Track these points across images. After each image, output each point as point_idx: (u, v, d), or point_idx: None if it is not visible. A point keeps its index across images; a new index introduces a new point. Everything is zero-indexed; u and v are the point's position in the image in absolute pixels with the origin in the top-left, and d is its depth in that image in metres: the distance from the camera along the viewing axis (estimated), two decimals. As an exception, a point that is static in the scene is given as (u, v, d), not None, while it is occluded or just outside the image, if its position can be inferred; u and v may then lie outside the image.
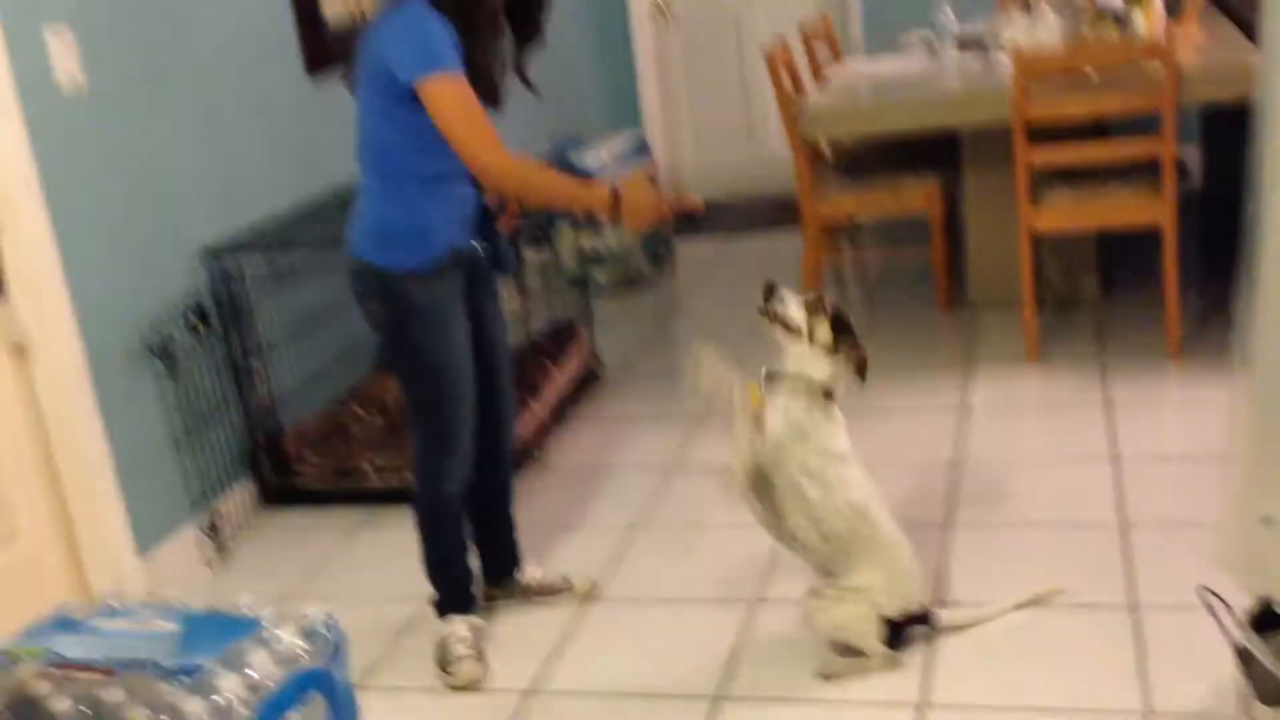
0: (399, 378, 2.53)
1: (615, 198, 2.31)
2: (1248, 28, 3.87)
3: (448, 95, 2.23)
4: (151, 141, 3.11)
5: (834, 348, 2.35)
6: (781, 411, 2.32)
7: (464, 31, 2.27)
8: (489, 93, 2.34)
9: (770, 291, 2.37)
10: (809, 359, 2.35)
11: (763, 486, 2.34)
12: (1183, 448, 3.11)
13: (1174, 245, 3.55)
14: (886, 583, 2.35)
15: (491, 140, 2.26)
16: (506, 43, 2.42)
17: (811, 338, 2.34)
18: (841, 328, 2.36)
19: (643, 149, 5.40)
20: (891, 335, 4.17)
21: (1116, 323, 3.96)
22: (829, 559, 2.36)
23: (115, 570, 2.92)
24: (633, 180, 2.32)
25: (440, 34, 2.23)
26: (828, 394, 2.35)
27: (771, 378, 2.37)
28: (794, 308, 2.36)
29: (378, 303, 2.41)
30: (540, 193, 2.36)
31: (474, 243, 2.47)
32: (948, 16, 4.11)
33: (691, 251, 5.53)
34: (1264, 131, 1.84)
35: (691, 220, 2.25)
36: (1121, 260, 4.38)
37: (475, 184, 2.43)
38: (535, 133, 5.24)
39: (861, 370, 2.38)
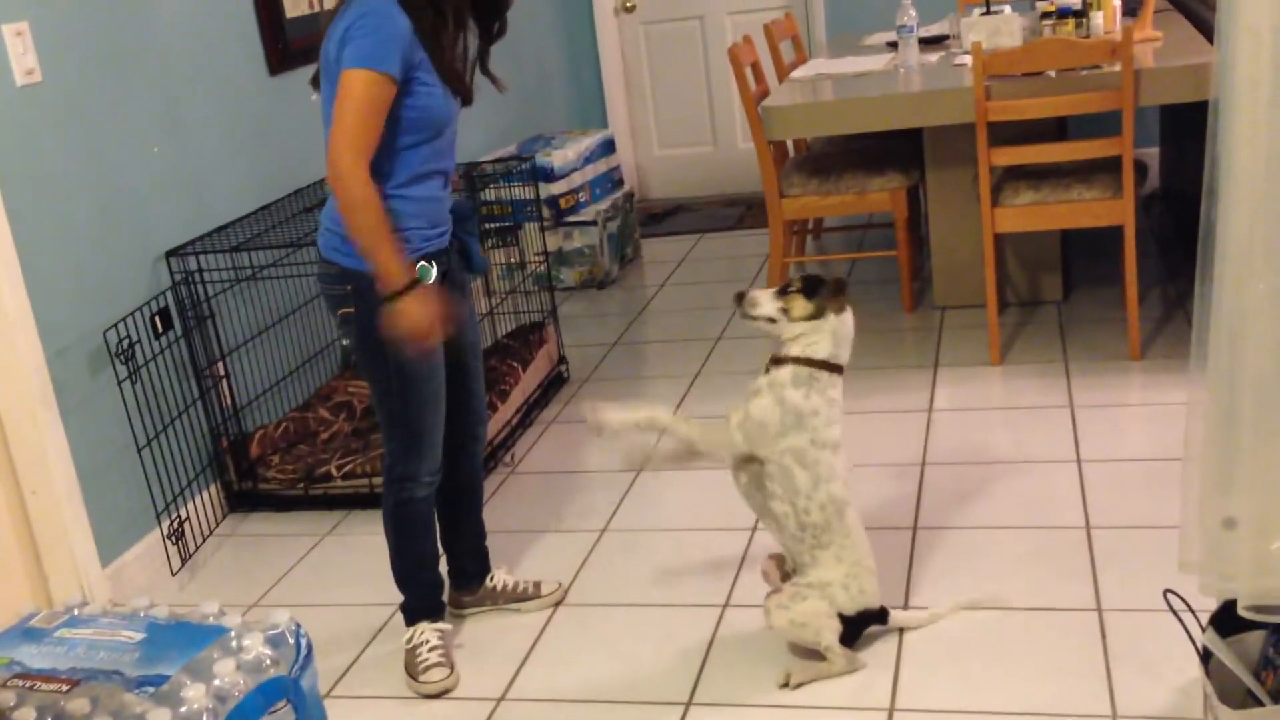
0: (368, 381, 2.52)
1: (397, 292, 2.25)
2: (1206, 28, 3.92)
3: (354, 86, 2.19)
4: (113, 141, 3.08)
5: (817, 312, 2.34)
6: (776, 400, 2.32)
7: (431, 26, 2.24)
8: (455, 86, 2.32)
9: (739, 299, 2.38)
10: (802, 340, 2.34)
11: (750, 462, 2.36)
12: (1146, 450, 3.15)
13: (1133, 246, 3.59)
14: (848, 579, 2.37)
15: (361, 149, 2.21)
16: (473, 38, 2.40)
17: (791, 316, 2.35)
18: (812, 290, 2.35)
19: (608, 148, 5.40)
20: (858, 336, 4.17)
21: (1079, 324, 4.00)
22: (798, 548, 2.38)
23: (79, 578, 2.89)
24: (422, 294, 2.28)
25: (385, 30, 2.19)
26: (834, 368, 2.35)
27: (777, 361, 2.37)
28: (766, 305, 2.37)
29: (347, 304, 2.39)
30: (356, 228, 2.26)
31: (445, 246, 2.45)
32: (910, 16, 4.14)
33: (658, 251, 5.54)
34: (1219, 132, 1.86)
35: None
36: (1083, 259, 4.42)
37: (447, 185, 2.42)
38: (502, 132, 5.23)
39: (839, 291, 2.36)
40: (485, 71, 2.46)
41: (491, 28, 2.42)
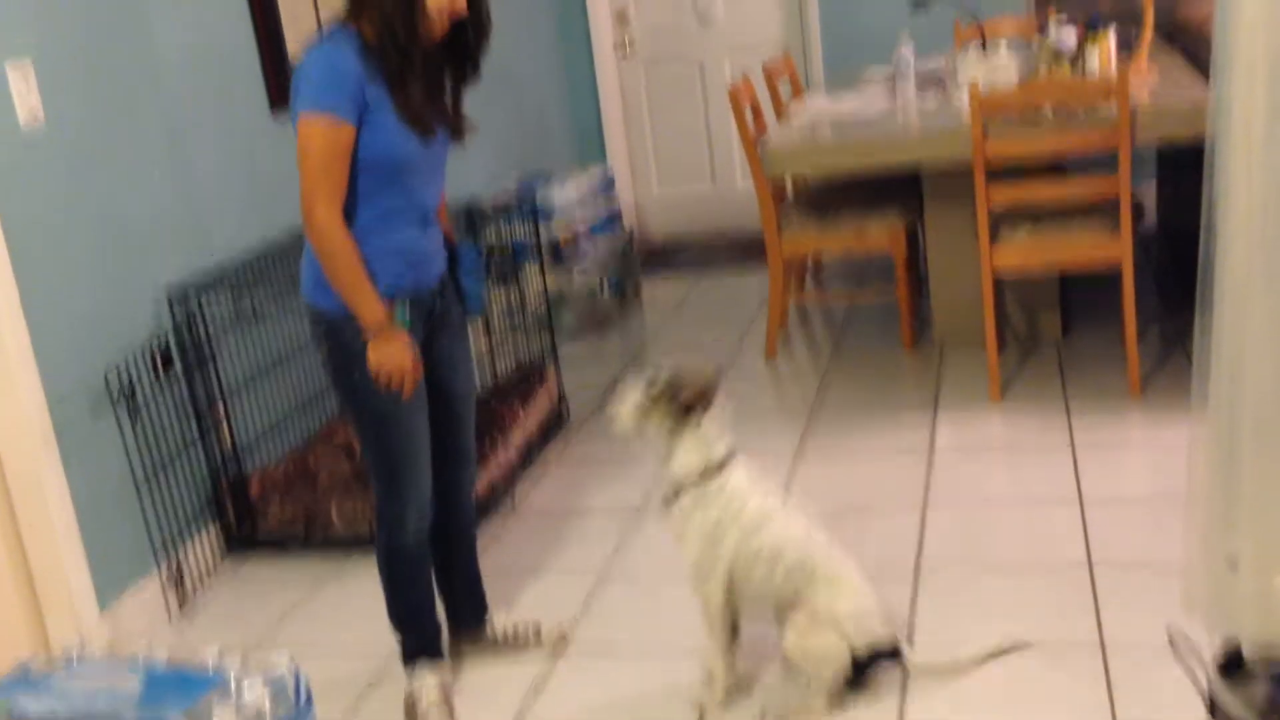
0: (350, 422, 2.52)
1: (376, 331, 2.28)
2: (1201, 66, 3.94)
3: (310, 135, 2.21)
4: (115, 179, 3.09)
5: (675, 424, 2.32)
6: (692, 537, 2.33)
7: (396, 66, 2.24)
8: (416, 127, 2.30)
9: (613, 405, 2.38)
10: (674, 463, 2.34)
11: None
12: (1147, 488, 3.14)
13: (1132, 285, 3.60)
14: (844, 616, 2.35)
15: (329, 195, 2.23)
16: (446, 79, 2.39)
17: (653, 416, 2.33)
18: (671, 394, 2.31)
19: (608, 186, 5.43)
20: (857, 374, 4.20)
21: (1078, 361, 4.00)
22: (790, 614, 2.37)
23: (77, 623, 2.88)
24: (393, 337, 2.29)
25: (335, 70, 2.21)
26: (719, 466, 2.33)
27: (671, 494, 2.36)
28: (630, 404, 2.34)
29: (324, 345, 2.40)
30: (333, 274, 2.28)
31: (431, 287, 2.44)
32: (907, 55, 4.17)
33: (658, 290, 5.55)
34: (1216, 170, 1.87)
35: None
36: (1082, 297, 4.43)
37: (426, 225, 2.41)
38: (503, 169, 5.26)
39: (704, 401, 2.31)
40: (456, 113, 2.43)
41: (463, 70, 2.41)
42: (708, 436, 2.33)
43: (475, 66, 2.41)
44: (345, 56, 2.22)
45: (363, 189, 2.29)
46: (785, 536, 2.33)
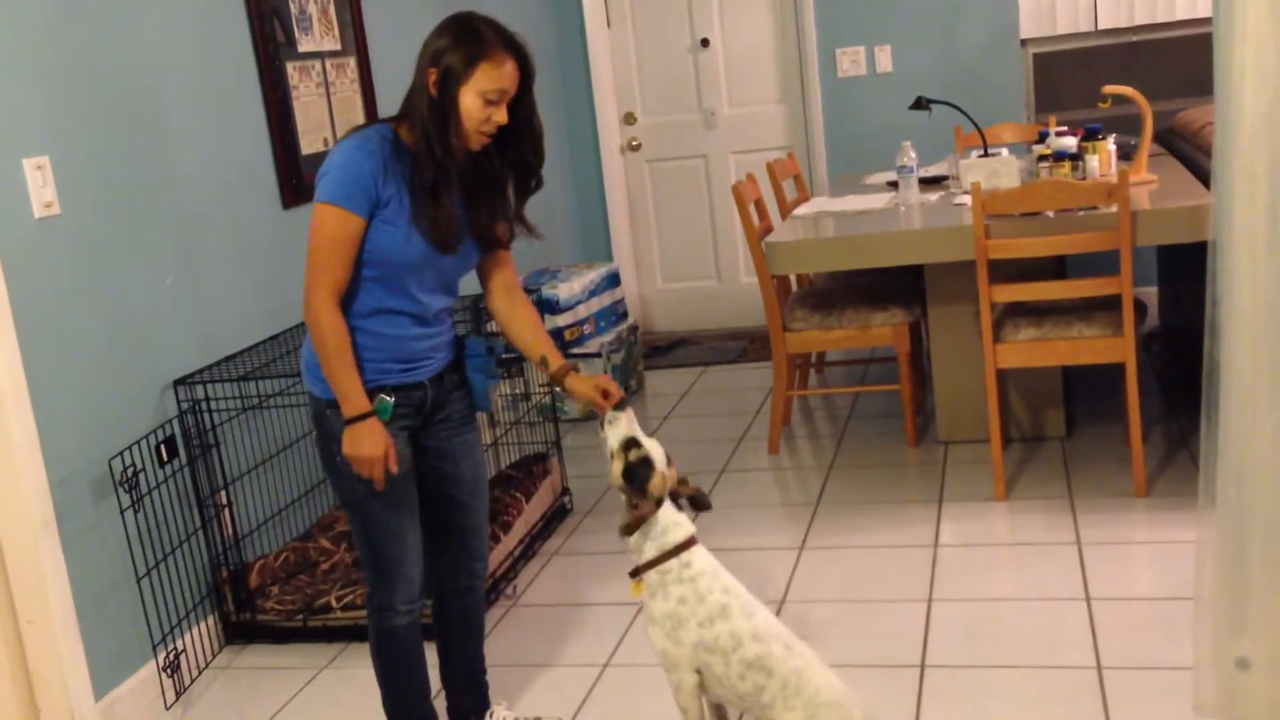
0: (342, 507, 2.53)
1: (351, 420, 2.30)
2: (1199, 171, 4.01)
3: (319, 223, 2.27)
4: (126, 272, 3.13)
5: (621, 488, 2.32)
6: (655, 624, 2.32)
7: (430, 178, 2.27)
8: (436, 238, 2.30)
9: (619, 406, 2.39)
10: (634, 548, 2.33)
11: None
12: (1155, 588, 3.12)
13: (1135, 384, 3.61)
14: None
15: (327, 284, 2.27)
16: (498, 189, 2.41)
17: (610, 475, 2.33)
18: (629, 475, 2.31)
19: (613, 281, 5.48)
20: (861, 470, 4.19)
21: (1083, 459, 3.99)
22: (758, 713, 2.31)
23: (72, 713, 2.83)
24: (371, 427, 2.31)
25: (355, 165, 2.24)
26: (674, 551, 2.31)
27: (635, 572, 2.35)
28: (614, 438, 2.35)
29: (315, 429, 2.45)
30: (323, 358, 2.31)
31: (422, 381, 2.43)
32: (910, 157, 4.24)
33: (662, 383, 5.57)
34: (1219, 272, 1.89)
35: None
36: (1086, 393, 4.44)
37: (427, 325, 2.42)
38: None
39: (631, 526, 2.31)
40: (522, 220, 2.47)
41: (528, 183, 2.43)
42: (663, 523, 2.32)
43: (535, 177, 2.43)
44: (369, 153, 2.26)
45: (364, 281, 2.33)
46: (743, 630, 2.27)
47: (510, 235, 2.50)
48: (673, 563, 2.31)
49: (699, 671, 2.30)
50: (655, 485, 2.31)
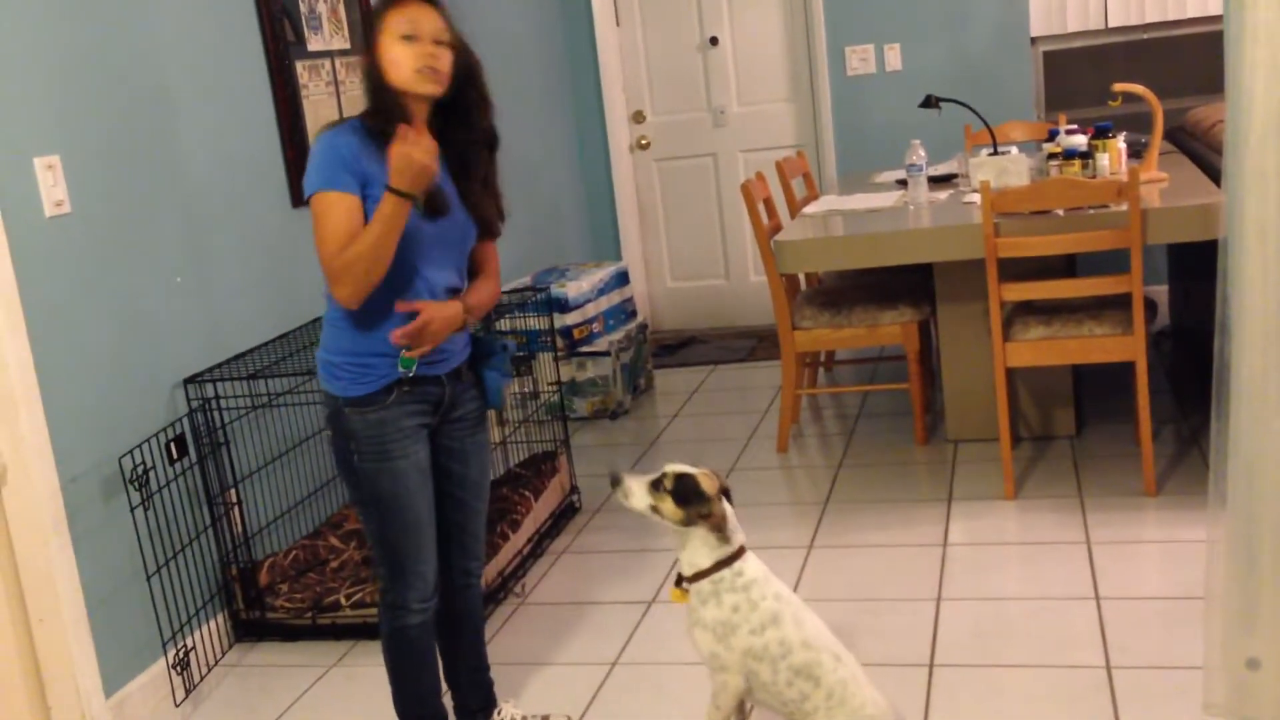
0: (355, 506, 2.53)
1: (395, 180, 2.21)
2: (1209, 169, 3.99)
3: (316, 213, 2.28)
4: (135, 270, 3.14)
5: (686, 520, 2.29)
6: (703, 629, 2.31)
7: (384, 143, 2.28)
8: (424, 204, 2.31)
9: (615, 483, 2.35)
10: (684, 557, 2.33)
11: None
12: (1165, 588, 3.11)
13: (1146, 383, 3.60)
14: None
15: (336, 250, 2.24)
16: (481, 159, 2.44)
17: (663, 515, 2.31)
18: (682, 497, 2.29)
19: (622, 280, 5.48)
20: (870, 469, 4.19)
21: (1093, 459, 3.98)
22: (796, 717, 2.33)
23: (83, 710, 2.84)
24: (398, 149, 2.21)
25: (332, 150, 2.27)
26: (727, 561, 2.30)
27: (680, 580, 2.35)
28: (638, 498, 2.32)
29: (330, 428, 2.44)
30: (367, 250, 2.24)
31: (439, 375, 2.44)
32: (920, 155, 4.23)
33: (670, 382, 5.57)
34: (1230, 270, 1.89)
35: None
36: (1096, 394, 4.43)
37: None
38: (518, 264, 5.31)
39: (719, 528, 2.30)
40: (487, 184, 2.47)
41: (472, 138, 2.42)
42: (710, 541, 2.32)
43: (479, 137, 2.43)
44: (342, 138, 2.29)
45: None
46: (793, 637, 2.28)
47: (500, 216, 2.50)
48: (725, 572, 2.30)
49: (746, 676, 2.30)
50: (706, 484, 2.30)
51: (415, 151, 2.20)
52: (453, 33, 2.36)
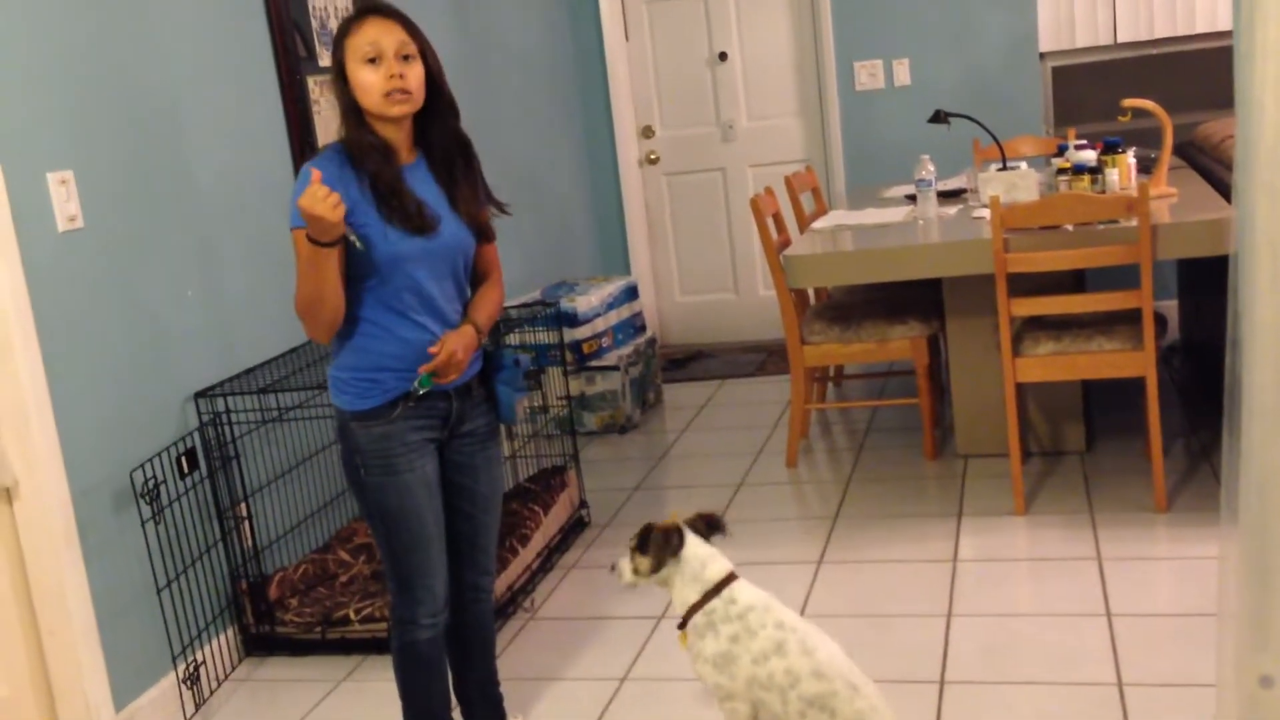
0: (366, 521, 2.54)
1: (305, 227, 2.25)
2: (1219, 185, 3.99)
3: (297, 246, 2.30)
4: (147, 284, 3.15)
5: (656, 564, 2.33)
6: (704, 663, 2.32)
7: (366, 170, 2.31)
8: (404, 222, 2.32)
9: (613, 569, 2.42)
10: (675, 591, 2.35)
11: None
12: (1176, 604, 3.10)
13: (1156, 399, 3.59)
14: None
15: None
16: (466, 165, 2.45)
17: (643, 574, 2.36)
18: (643, 545, 2.34)
19: (631, 294, 5.48)
20: (879, 483, 4.18)
21: (1103, 474, 3.97)
22: None
23: (91, 723, 2.85)
24: (301, 201, 2.22)
25: (308, 182, 2.25)
26: (715, 590, 2.31)
27: (682, 622, 2.37)
28: (627, 572, 2.39)
29: (340, 443, 2.45)
30: (302, 296, 2.30)
31: (451, 392, 2.44)
32: (929, 170, 4.24)
33: (679, 396, 5.57)
34: (1241, 285, 1.89)
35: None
36: (1106, 407, 4.42)
37: (444, 325, 2.42)
38: (527, 278, 5.32)
39: (673, 543, 2.33)
40: (491, 198, 2.50)
41: (451, 156, 2.44)
42: (693, 566, 2.33)
43: (449, 146, 2.43)
44: (319, 166, 2.28)
45: (369, 290, 2.35)
46: (800, 667, 2.25)
47: (498, 208, 2.53)
48: (716, 602, 2.30)
49: (754, 704, 2.30)
50: (660, 526, 2.34)
51: (316, 207, 2.18)
52: (417, 40, 2.36)
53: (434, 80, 2.38)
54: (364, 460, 2.39)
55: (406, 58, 2.32)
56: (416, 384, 2.35)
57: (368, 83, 2.30)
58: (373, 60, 2.30)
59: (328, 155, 2.35)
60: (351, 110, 2.34)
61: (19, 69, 2.79)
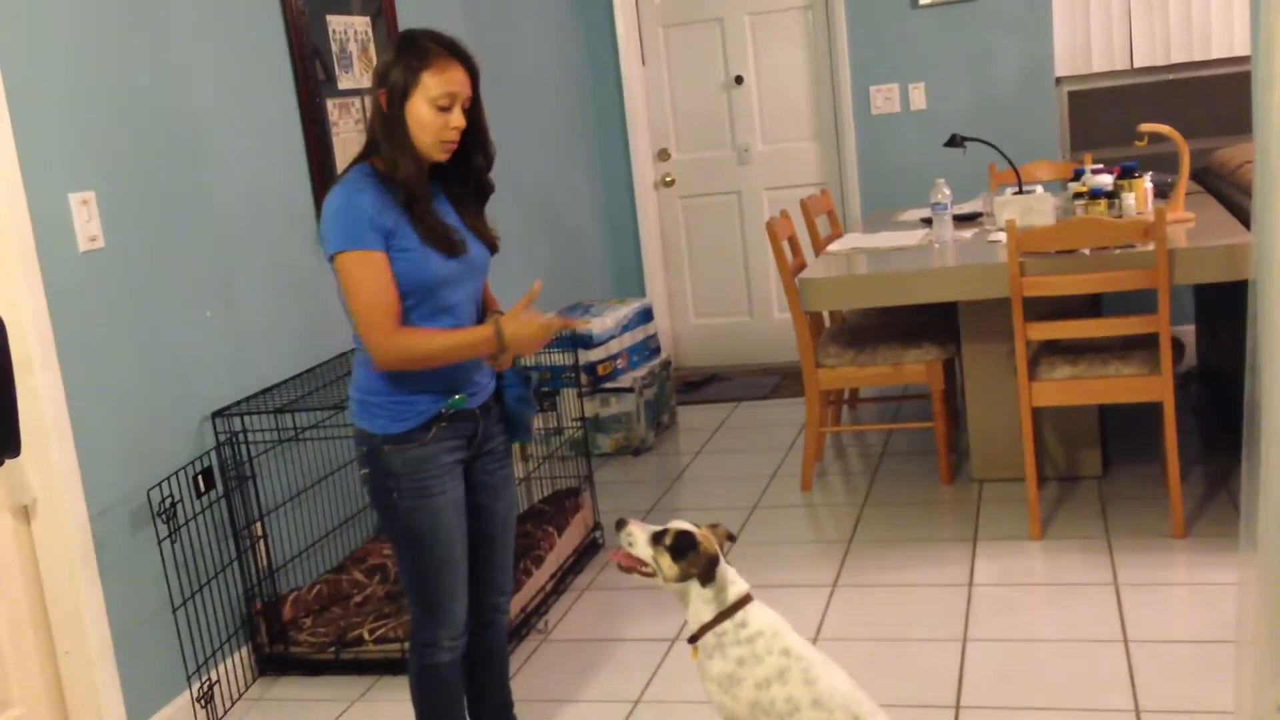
0: (389, 543, 2.53)
1: (499, 333, 2.33)
2: (1237, 210, 3.98)
3: (346, 275, 2.29)
4: (166, 304, 3.17)
5: (682, 575, 2.32)
6: (713, 683, 2.31)
7: (405, 199, 2.32)
8: (442, 247, 2.34)
9: (619, 526, 2.38)
10: (689, 612, 2.34)
11: None
12: (1194, 631, 3.08)
13: (1174, 424, 3.57)
14: None
15: (382, 323, 2.28)
16: (477, 191, 2.48)
17: (662, 570, 2.33)
18: (679, 552, 2.32)
19: (646, 316, 5.49)
20: (894, 508, 4.17)
21: (1120, 499, 3.95)
22: None
23: (106, 741, 2.85)
24: (514, 313, 2.35)
25: (352, 207, 2.27)
26: (728, 612, 2.30)
27: (693, 637, 2.35)
28: (641, 547, 2.35)
29: (365, 466, 2.43)
30: (440, 356, 2.33)
31: (474, 409, 2.46)
32: (944, 194, 4.24)
33: (694, 419, 5.56)
34: (1260, 313, 1.88)
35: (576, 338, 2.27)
36: (1123, 434, 4.40)
37: None
38: (542, 300, 5.33)
39: (707, 572, 2.31)
40: (480, 230, 2.50)
41: (481, 189, 2.48)
42: (716, 587, 2.32)
43: (485, 183, 2.48)
44: (359, 192, 2.29)
45: (404, 313, 2.34)
46: (801, 696, 2.25)
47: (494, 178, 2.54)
48: (727, 624, 2.30)
49: None
50: (705, 543, 2.32)
51: (529, 331, 2.37)
52: (477, 93, 2.38)
53: (476, 129, 2.39)
54: (398, 484, 2.38)
55: (465, 109, 2.35)
56: (447, 405, 2.36)
57: (429, 123, 2.30)
58: (443, 108, 2.31)
59: (360, 180, 2.33)
60: (400, 133, 2.31)
61: (42, 90, 2.82)
